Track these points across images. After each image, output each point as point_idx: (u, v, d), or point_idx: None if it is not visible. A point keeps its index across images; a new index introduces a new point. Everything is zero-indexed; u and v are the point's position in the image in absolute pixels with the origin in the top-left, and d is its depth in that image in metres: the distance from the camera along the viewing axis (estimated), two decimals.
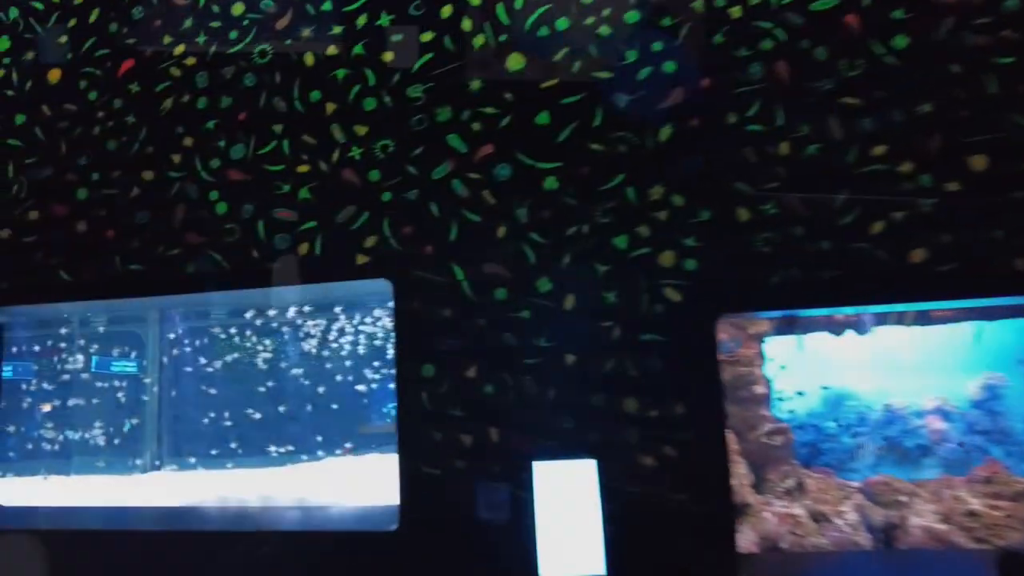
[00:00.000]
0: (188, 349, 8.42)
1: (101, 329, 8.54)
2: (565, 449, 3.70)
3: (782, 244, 3.68)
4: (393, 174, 4.16)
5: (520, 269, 3.92)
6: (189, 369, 8.49)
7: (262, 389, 8.16)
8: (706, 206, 3.78)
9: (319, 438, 7.75)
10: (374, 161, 4.20)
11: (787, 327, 5.08)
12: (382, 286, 4.29)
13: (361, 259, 4.14)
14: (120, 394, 8.59)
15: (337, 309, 7.61)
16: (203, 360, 8.45)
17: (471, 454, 3.83)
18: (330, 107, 4.31)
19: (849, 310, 4.66)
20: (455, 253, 4.01)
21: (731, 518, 3.62)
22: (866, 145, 3.65)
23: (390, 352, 8.16)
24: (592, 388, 3.76)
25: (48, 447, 8.77)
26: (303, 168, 4.31)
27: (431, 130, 4.14)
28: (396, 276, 4.08)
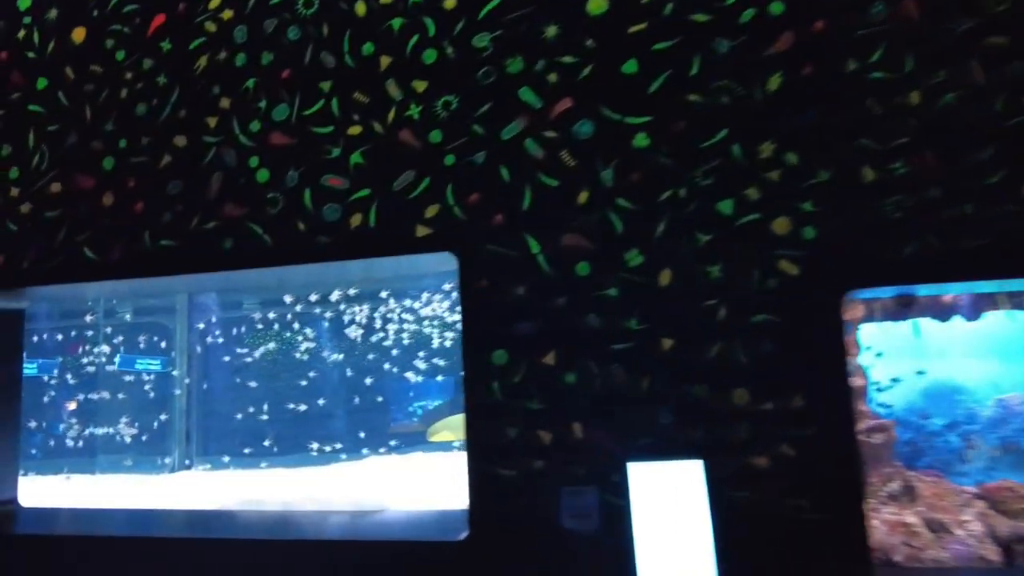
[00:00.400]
0: (220, 340, 7.98)
1: (128, 317, 8.14)
2: (664, 448, 3.19)
3: (916, 208, 3.15)
4: (457, 134, 3.68)
5: (606, 240, 3.42)
6: (222, 360, 8.04)
7: (303, 383, 7.68)
8: (825, 165, 3.26)
9: (361, 434, 7.26)
10: (435, 120, 3.72)
11: (901, 310, 4.53)
12: (442, 262, 3.83)
13: (421, 231, 3.66)
14: (147, 387, 8.18)
15: (384, 294, 7.11)
16: (236, 351, 8.00)
17: (552, 453, 3.34)
18: (384, 61, 3.84)
19: (993, 286, 4.10)
20: (529, 223, 3.52)
21: (862, 528, 3.08)
22: (1017, 92, 3.11)
23: (436, 341, 7.73)
24: (694, 377, 3.25)
25: (71, 444, 8.38)
26: (355, 130, 3.84)
27: (500, 83, 3.65)
28: (461, 250, 3.59)
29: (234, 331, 8.00)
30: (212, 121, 4.09)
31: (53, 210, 4.34)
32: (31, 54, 4.55)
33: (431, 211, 3.66)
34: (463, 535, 3.37)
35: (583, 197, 3.47)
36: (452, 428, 8.63)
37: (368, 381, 7.43)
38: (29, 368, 8.70)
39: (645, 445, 3.22)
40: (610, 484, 3.20)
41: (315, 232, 3.82)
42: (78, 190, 4.30)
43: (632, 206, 3.41)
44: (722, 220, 3.32)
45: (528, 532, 3.31)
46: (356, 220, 3.77)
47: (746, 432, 3.18)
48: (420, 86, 3.77)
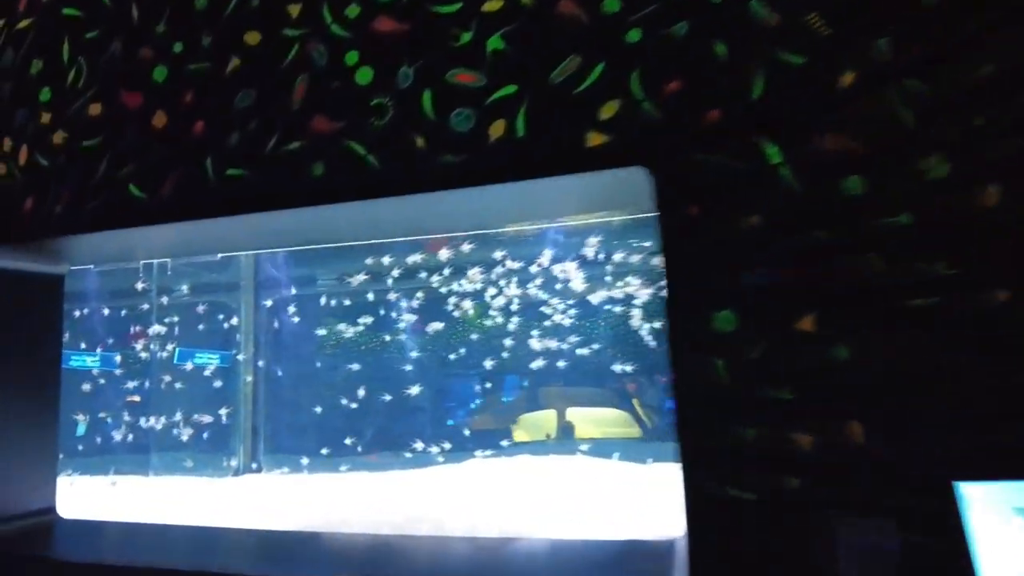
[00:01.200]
0: (295, 319, 7.10)
1: (185, 289, 7.39)
2: (1010, 460, 2.10)
3: None
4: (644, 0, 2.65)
5: (889, 141, 2.34)
6: (292, 345, 7.20)
7: (407, 367, 6.75)
8: None
9: (466, 431, 6.31)
10: None
11: None
12: (609, 187, 2.84)
13: (595, 139, 2.65)
14: (208, 373, 7.41)
15: (499, 254, 6.08)
16: (309, 333, 7.13)
17: (815, 466, 2.28)
18: None
19: None
20: (764, 120, 2.47)
21: None
22: None
23: (554, 314, 6.64)
24: None
25: (120, 439, 7.68)
26: (492, 4, 2.85)
27: None
28: (658, 163, 2.57)
29: (307, 309, 7.17)
30: (294, 9, 3.17)
31: (92, 138, 3.50)
32: None
33: (608, 110, 2.64)
34: None
35: (848, 79, 2.39)
36: (527, 428, 7.75)
37: (489, 364, 6.48)
38: (92, 361, 8.11)
39: (975, 455, 2.14)
40: (921, 514, 2.13)
41: (439, 149, 2.85)
42: (123, 111, 3.45)
43: (927, 90, 2.32)
44: None
45: None
46: (497, 129, 2.78)
47: None
48: None
